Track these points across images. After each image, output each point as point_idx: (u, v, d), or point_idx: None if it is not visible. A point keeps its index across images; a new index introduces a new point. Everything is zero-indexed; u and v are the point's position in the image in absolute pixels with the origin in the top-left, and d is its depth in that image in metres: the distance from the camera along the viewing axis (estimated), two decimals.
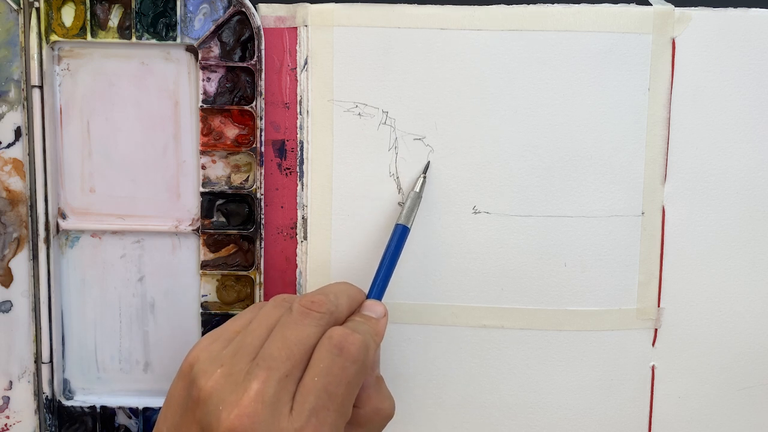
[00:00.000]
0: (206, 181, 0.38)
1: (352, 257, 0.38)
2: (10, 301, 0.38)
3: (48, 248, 0.38)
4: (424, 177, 0.37)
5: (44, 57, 0.37)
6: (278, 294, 0.38)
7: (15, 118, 0.37)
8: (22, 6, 0.37)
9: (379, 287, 0.35)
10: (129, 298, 0.39)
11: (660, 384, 0.39)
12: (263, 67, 0.37)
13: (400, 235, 0.36)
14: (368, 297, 0.34)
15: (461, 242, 0.38)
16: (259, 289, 0.38)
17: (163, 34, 0.37)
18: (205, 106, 0.37)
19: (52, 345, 0.38)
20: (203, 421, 0.27)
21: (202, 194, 0.38)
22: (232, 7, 0.36)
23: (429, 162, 0.37)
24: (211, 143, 0.38)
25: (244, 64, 0.37)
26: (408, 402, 0.39)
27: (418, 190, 0.37)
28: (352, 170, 0.38)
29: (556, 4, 0.37)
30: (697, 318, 0.38)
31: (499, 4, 0.37)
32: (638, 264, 0.38)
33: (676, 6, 0.37)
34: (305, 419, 0.27)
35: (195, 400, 0.28)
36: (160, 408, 0.39)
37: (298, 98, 0.38)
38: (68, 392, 0.40)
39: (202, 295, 0.39)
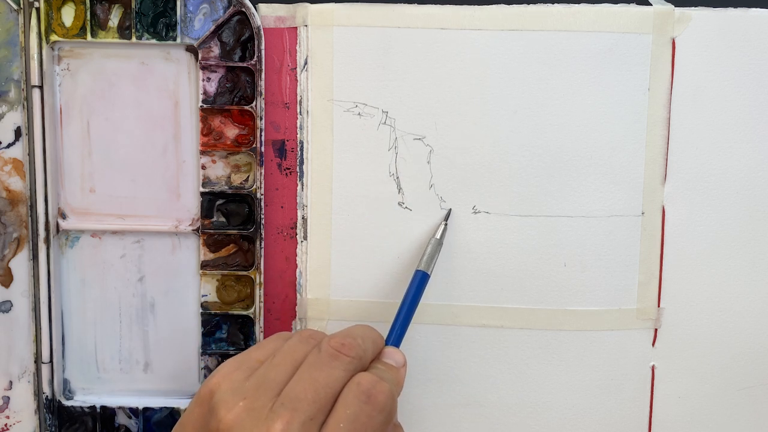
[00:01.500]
0: (206, 181, 0.38)
1: (352, 257, 0.38)
2: (10, 301, 0.38)
3: (48, 248, 0.38)
4: (446, 224, 0.37)
5: (44, 57, 0.37)
6: (279, 294, 0.39)
7: (15, 118, 0.37)
8: (22, 6, 0.37)
9: (397, 334, 0.34)
10: (129, 298, 0.39)
11: (660, 384, 0.39)
12: (263, 67, 0.37)
13: (420, 281, 0.35)
14: (387, 343, 0.34)
15: (461, 242, 0.38)
16: (259, 289, 0.38)
17: (163, 34, 0.37)
18: (205, 106, 0.37)
19: (52, 345, 0.38)
20: None
21: (202, 194, 0.38)
22: (232, 7, 0.37)
23: (450, 209, 0.37)
24: (211, 143, 0.38)
25: (244, 64, 0.37)
26: (407, 401, 0.39)
27: (439, 237, 0.37)
28: (352, 170, 0.38)
29: (556, 4, 0.37)
30: (697, 318, 0.38)
31: (499, 4, 0.37)
32: (638, 264, 0.38)
33: (676, 6, 0.37)
34: None
35: (214, 431, 0.27)
36: (160, 408, 0.39)
37: (298, 98, 0.38)
38: (68, 392, 0.40)
39: (202, 295, 0.39)
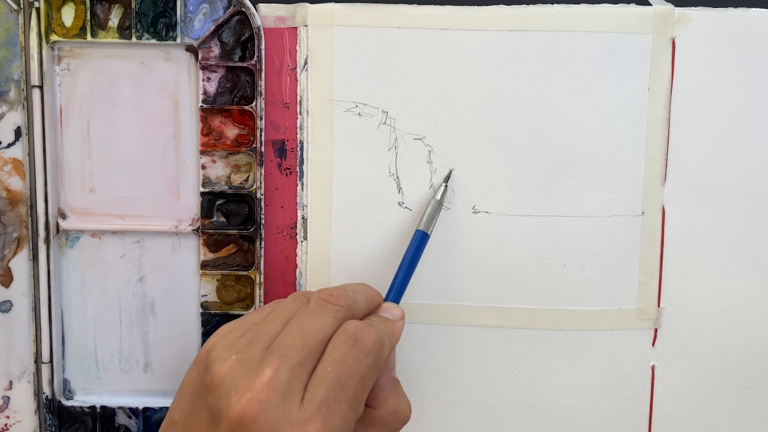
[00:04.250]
0: (206, 181, 0.38)
1: (352, 257, 0.38)
2: (10, 301, 0.38)
3: (48, 248, 0.38)
4: (446, 185, 0.37)
5: (44, 57, 0.37)
6: (279, 294, 0.39)
7: (15, 118, 0.37)
8: (22, 6, 0.37)
9: (396, 291, 0.35)
10: (129, 298, 0.39)
11: (660, 384, 0.39)
12: (263, 67, 0.37)
13: (419, 241, 0.36)
14: (385, 300, 0.34)
15: (461, 242, 0.38)
16: (259, 289, 0.38)
17: (163, 34, 0.37)
18: (205, 106, 0.37)
19: (52, 345, 0.38)
20: (214, 406, 0.27)
21: (202, 194, 0.38)
22: (232, 7, 0.37)
23: (452, 171, 0.37)
24: (211, 143, 0.38)
25: (244, 64, 0.37)
26: None
27: (439, 198, 0.37)
28: (352, 170, 0.38)
29: (555, 4, 0.37)
30: (697, 318, 0.38)
31: (499, 4, 0.37)
32: (638, 264, 0.38)
33: (676, 6, 0.37)
34: (316, 409, 0.27)
35: (208, 386, 0.28)
36: (160, 408, 0.39)
37: (298, 98, 0.38)
38: (68, 392, 0.40)
39: (202, 295, 0.39)
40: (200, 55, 0.37)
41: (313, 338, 0.29)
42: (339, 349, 0.29)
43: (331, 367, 0.28)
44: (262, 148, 0.37)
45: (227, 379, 0.27)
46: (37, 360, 0.39)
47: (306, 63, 0.37)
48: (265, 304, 0.38)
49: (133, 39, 0.37)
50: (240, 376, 0.27)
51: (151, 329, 0.39)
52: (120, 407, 0.39)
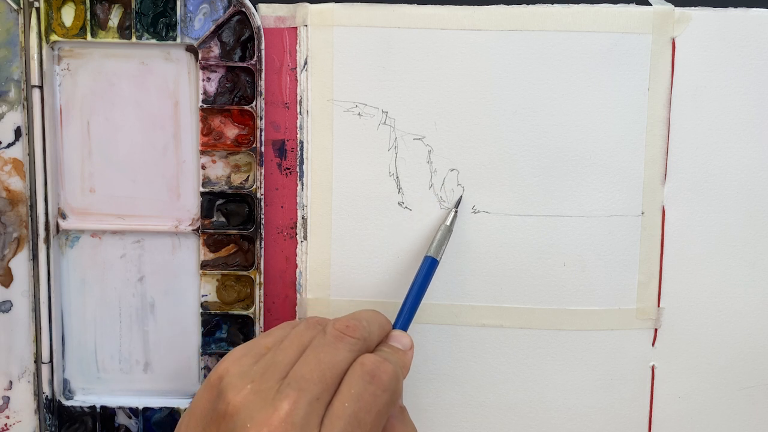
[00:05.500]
0: (206, 181, 0.38)
1: (352, 257, 0.38)
2: (10, 301, 0.38)
3: (48, 248, 0.38)
4: (456, 211, 0.37)
5: (44, 57, 0.37)
6: (278, 294, 0.39)
7: (15, 118, 0.37)
8: (22, 6, 0.37)
9: (405, 318, 0.35)
10: (129, 298, 0.39)
11: (660, 384, 0.39)
12: (263, 67, 0.37)
13: (428, 267, 0.36)
14: (394, 327, 0.34)
15: (461, 242, 0.38)
16: (259, 289, 0.38)
17: (163, 34, 0.37)
18: (205, 106, 0.37)
19: (52, 345, 0.38)
20: None
21: (202, 194, 0.38)
22: (232, 7, 0.37)
23: (461, 196, 0.37)
24: (211, 143, 0.38)
25: (244, 64, 0.37)
26: (407, 401, 0.39)
27: (449, 224, 0.37)
28: (352, 170, 0.38)
29: (555, 4, 0.37)
30: (697, 318, 0.38)
31: (499, 4, 0.37)
32: (638, 264, 0.38)
33: (676, 6, 0.37)
34: None
35: (221, 414, 0.28)
36: (160, 408, 0.39)
37: (298, 98, 0.38)
38: (68, 392, 0.40)
39: (202, 295, 0.39)
40: (200, 55, 0.37)
41: (331, 372, 0.28)
42: (356, 385, 0.28)
43: (348, 403, 0.28)
44: (262, 148, 0.37)
45: (243, 409, 0.27)
46: (37, 360, 0.39)
47: (306, 63, 0.37)
48: (264, 304, 0.38)
49: (133, 39, 0.37)
50: (256, 407, 0.27)
51: (151, 329, 0.39)
52: (120, 407, 0.39)
